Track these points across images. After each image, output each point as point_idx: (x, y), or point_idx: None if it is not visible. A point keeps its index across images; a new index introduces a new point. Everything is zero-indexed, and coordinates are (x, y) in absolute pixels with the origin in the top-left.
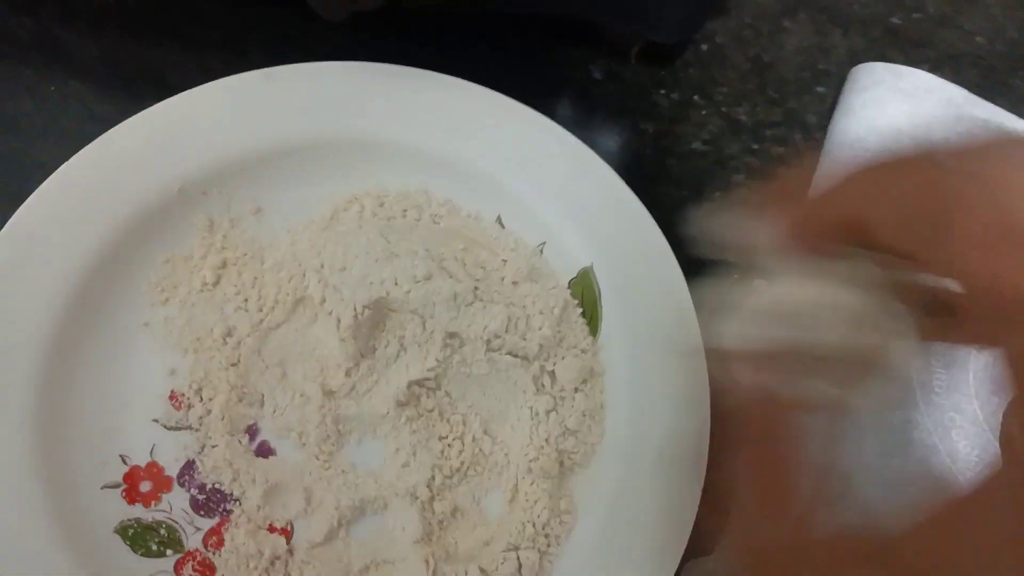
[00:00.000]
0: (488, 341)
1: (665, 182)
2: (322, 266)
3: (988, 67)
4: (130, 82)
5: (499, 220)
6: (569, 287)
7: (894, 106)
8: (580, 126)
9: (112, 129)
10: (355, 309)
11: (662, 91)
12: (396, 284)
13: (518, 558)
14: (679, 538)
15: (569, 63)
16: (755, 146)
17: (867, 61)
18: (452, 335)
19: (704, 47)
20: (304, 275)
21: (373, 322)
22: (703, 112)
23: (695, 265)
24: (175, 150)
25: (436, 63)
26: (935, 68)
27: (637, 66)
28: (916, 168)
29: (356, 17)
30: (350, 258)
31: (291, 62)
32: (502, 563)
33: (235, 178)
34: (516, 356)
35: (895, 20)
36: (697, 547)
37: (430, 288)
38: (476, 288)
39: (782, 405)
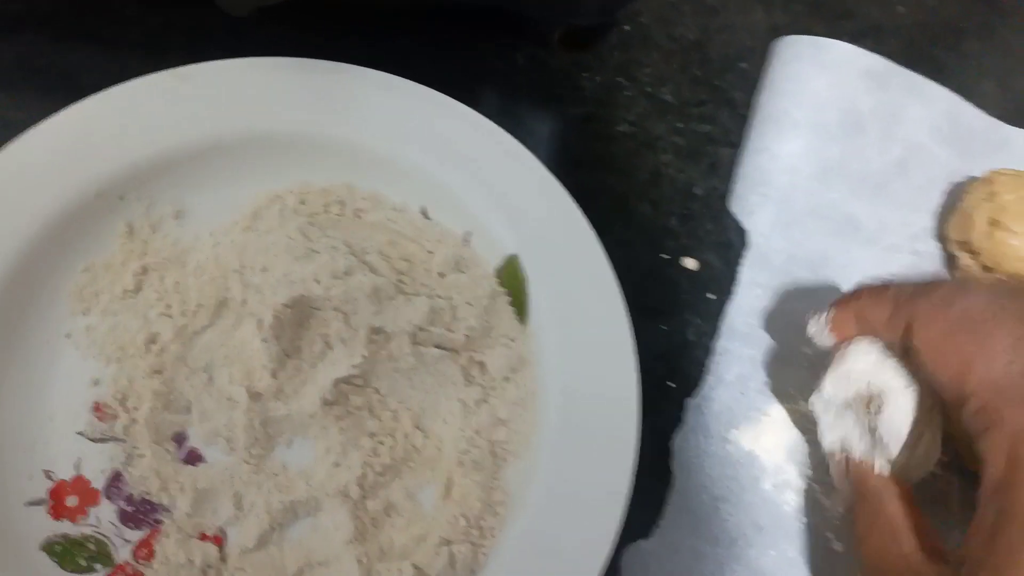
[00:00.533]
0: (413, 334)
1: (592, 165)
2: (243, 267)
3: (908, 37)
4: (47, 87)
5: (424, 212)
6: (497, 276)
7: (816, 79)
8: (506, 113)
9: (23, 134)
10: (276, 309)
11: (586, 75)
12: (316, 281)
13: (451, 552)
14: (613, 523)
15: (492, 51)
16: (681, 125)
17: (789, 35)
18: (377, 330)
19: (628, 28)
20: (225, 277)
21: (296, 321)
22: (628, 94)
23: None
24: (89, 154)
25: (358, 56)
26: (857, 39)
27: (560, 51)
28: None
29: (276, 12)
30: (270, 258)
31: (212, 59)
32: (435, 557)
33: (154, 181)
34: (443, 348)
35: None
36: (634, 530)
37: (351, 284)
38: (400, 281)
39: None
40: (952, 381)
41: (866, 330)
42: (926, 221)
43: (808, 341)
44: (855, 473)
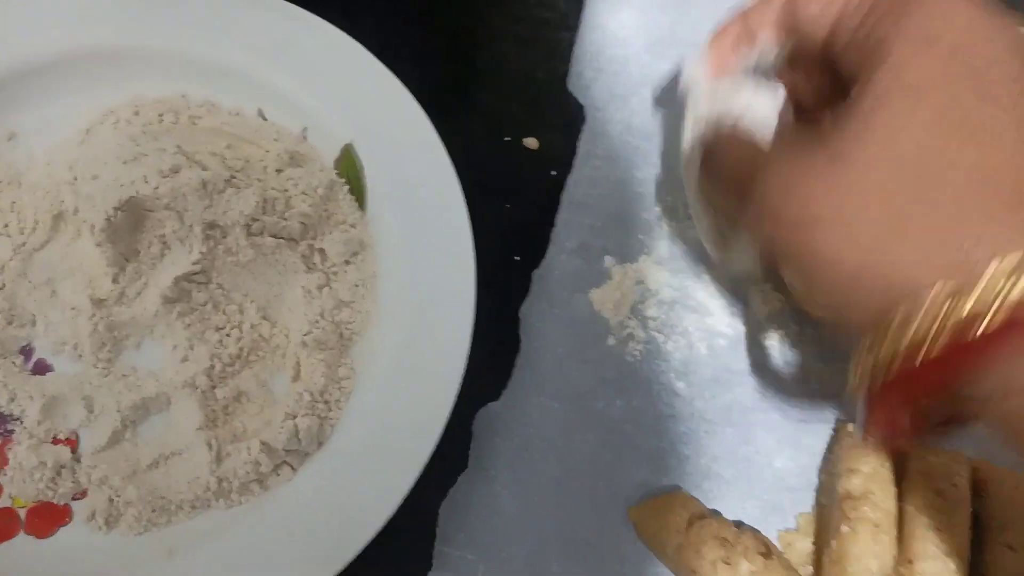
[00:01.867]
0: (248, 226)
1: (433, 58)
2: (75, 179)
3: None
4: None
5: (260, 113)
6: (335, 167)
7: None
8: (337, 10)
9: None
10: (107, 213)
11: None
12: (145, 181)
13: (295, 425)
14: (453, 387)
15: None
16: (521, 13)
17: None
18: (211, 225)
19: None
20: (59, 190)
21: (131, 224)
22: None
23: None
24: None
25: None
26: None
27: None
28: None
29: None
30: (99, 166)
31: None
32: (280, 432)
33: None
34: (281, 238)
35: None
36: (486, 396)
37: (179, 180)
38: (233, 177)
39: None
40: None
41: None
42: None
43: (647, 206)
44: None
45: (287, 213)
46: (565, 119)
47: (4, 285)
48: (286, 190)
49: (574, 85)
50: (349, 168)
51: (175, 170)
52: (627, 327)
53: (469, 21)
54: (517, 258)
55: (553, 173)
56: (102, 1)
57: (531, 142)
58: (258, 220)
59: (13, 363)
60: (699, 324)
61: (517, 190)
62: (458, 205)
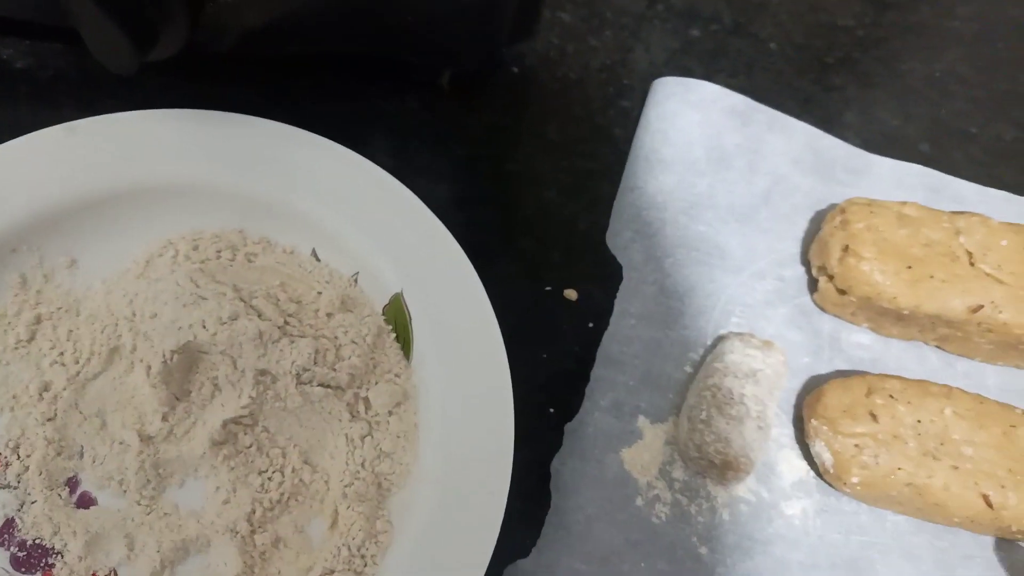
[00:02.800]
0: (298, 375)
1: (479, 203)
2: (133, 314)
3: (778, 71)
4: None
5: (314, 253)
6: (383, 314)
7: (685, 118)
8: (396, 155)
9: None
10: (164, 355)
11: (474, 115)
12: (203, 327)
13: None
14: (488, 545)
15: (382, 94)
16: (565, 163)
17: (668, 72)
18: (263, 372)
19: (515, 70)
20: (117, 325)
21: (185, 366)
22: (514, 133)
23: (510, 284)
24: None
25: (246, 103)
26: (732, 75)
27: (449, 93)
28: None
29: (164, 63)
30: (159, 305)
31: (105, 110)
32: None
33: (46, 233)
34: (328, 387)
35: (694, 32)
36: (515, 552)
37: (236, 329)
38: (285, 324)
39: None
40: None
41: None
42: (792, 247)
43: (678, 366)
44: None
45: (337, 364)
46: (604, 272)
47: (56, 415)
48: (336, 338)
49: (613, 242)
50: (398, 316)
51: (233, 317)
52: (654, 488)
53: (514, 167)
54: (552, 410)
55: (590, 325)
56: (166, 139)
57: (571, 293)
58: (308, 370)
59: (59, 495)
60: (722, 489)
61: (555, 340)
62: (501, 362)
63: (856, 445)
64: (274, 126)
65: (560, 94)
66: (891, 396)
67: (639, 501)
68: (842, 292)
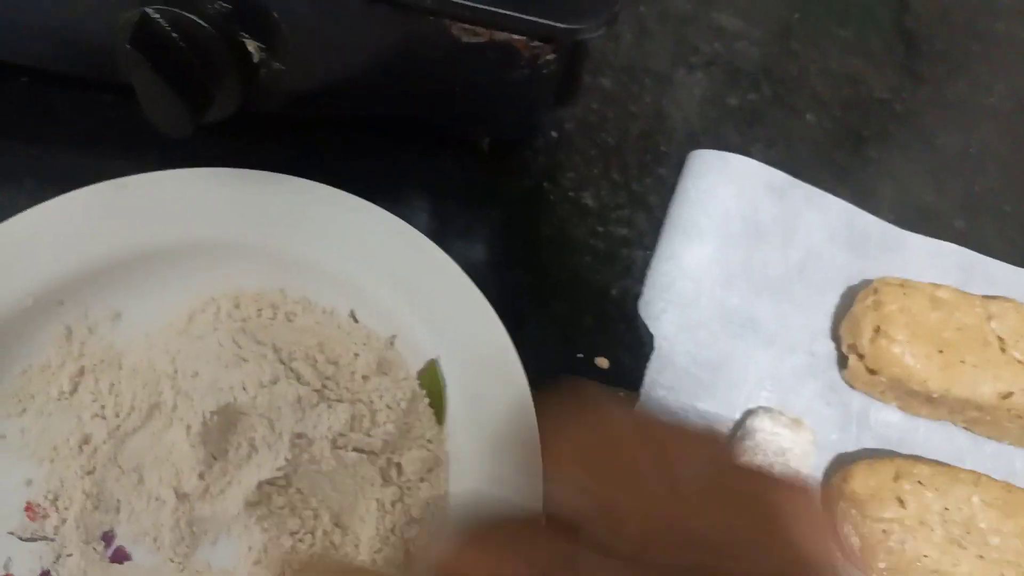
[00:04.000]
0: (334, 440)
1: (515, 266)
2: (175, 372)
3: (814, 143)
4: None
5: (352, 314)
6: (418, 378)
7: (722, 190)
8: (433, 216)
9: None
10: (204, 416)
11: (511, 179)
12: (244, 389)
13: None
14: None
15: (421, 156)
16: (600, 229)
17: (705, 140)
18: (299, 435)
19: (554, 134)
20: (158, 381)
21: (224, 425)
22: (551, 197)
23: (542, 348)
24: (28, 263)
25: (288, 164)
26: (769, 145)
27: (487, 156)
28: None
29: (206, 127)
30: (201, 364)
31: (153, 164)
32: None
33: (91, 286)
34: (362, 451)
35: (732, 101)
36: None
37: (276, 392)
38: (323, 387)
39: None
40: None
41: None
42: (823, 322)
43: None
44: None
45: (372, 430)
46: (635, 340)
47: (95, 469)
48: (372, 402)
49: (645, 311)
50: (432, 383)
51: (273, 381)
52: None
53: (549, 232)
54: None
55: (621, 395)
56: (211, 197)
57: (602, 362)
58: (344, 435)
59: (95, 549)
60: None
61: None
62: (532, 432)
63: (883, 531)
64: (315, 187)
65: (598, 160)
66: (919, 482)
67: None
68: (872, 372)
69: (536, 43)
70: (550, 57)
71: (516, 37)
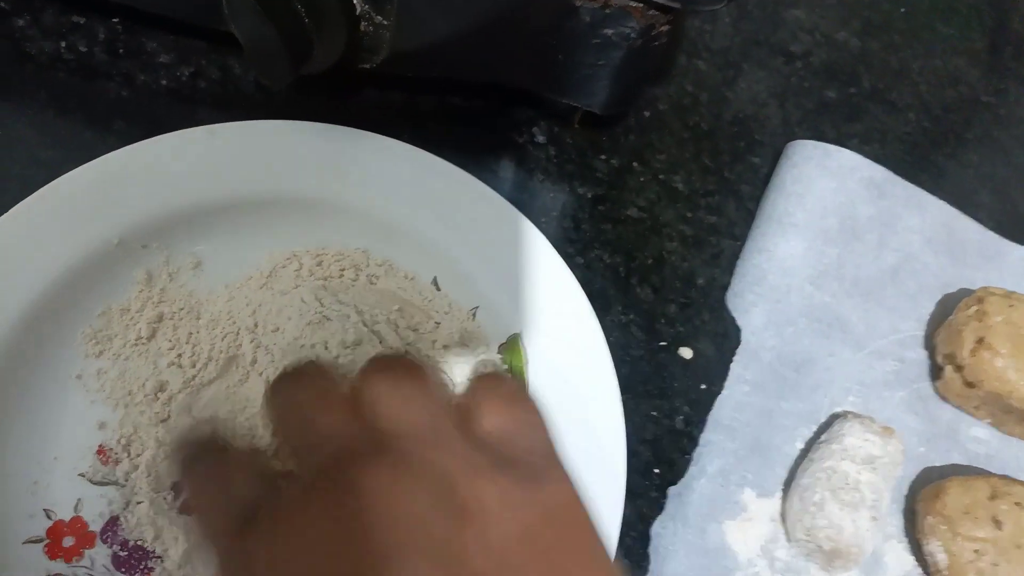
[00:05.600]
0: None
1: (600, 246)
2: (256, 326)
3: (913, 142)
4: (77, 128)
5: (435, 282)
6: (499, 352)
7: (821, 183)
8: (520, 187)
9: (54, 181)
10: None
11: (602, 156)
12: (326, 348)
13: None
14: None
15: (512, 126)
16: (689, 214)
17: (801, 132)
18: None
19: (646, 114)
20: (238, 334)
21: None
22: (641, 178)
23: (624, 333)
24: (117, 203)
25: (380, 123)
26: (865, 142)
27: (578, 130)
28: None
29: (303, 78)
30: (283, 320)
31: (239, 116)
32: None
33: (176, 232)
34: None
35: (830, 94)
36: None
37: (359, 354)
38: (406, 353)
39: None
40: None
41: None
42: (915, 329)
43: (789, 440)
44: None
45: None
46: (720, 331)
47: (169, 417)
48: (451, 373)
49: (733, 303)
50: (514, 358)
51: (357, 342)
52: (755, 566)
53: (637, 214)
54: (657, 470)
55: (703, 387)
56: (300, 150)
57: (686, 352)
58: None
59: (164, 499)
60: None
61: (665, 398)
62: (616, 415)
63: (975, 550)
64: (405, 148)
65: (690, 143)
66: (1017, 503)
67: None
68: (970, 385)
69: (653, 11)
70: (664, 28)
71: (633, 3)
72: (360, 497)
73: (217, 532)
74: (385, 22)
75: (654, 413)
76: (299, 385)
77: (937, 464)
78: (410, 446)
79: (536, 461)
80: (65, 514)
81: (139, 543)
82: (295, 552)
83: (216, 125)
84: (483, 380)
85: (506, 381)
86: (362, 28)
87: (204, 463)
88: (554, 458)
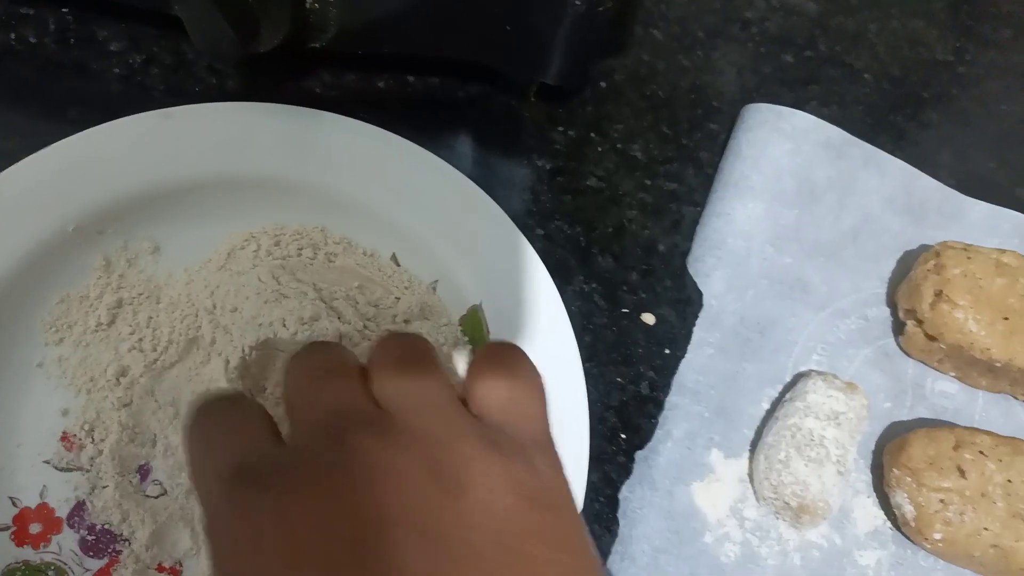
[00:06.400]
0: None
1: (560, 218)
2: (214, 307)
3: (871, 104)
4: (31, 118)
5: (394, 258)
6: (460, 324)
7: (776, 146)
8: (477, 162)
9: (8, 168)
10: (243, 351)
11: (559, 128)
12: (284, 326)
13: None
14: None
15: (468, 100)
16: (648, 182)
17: (759, 97)
18: None
19: (603, 84)
20: (197, 316)
21: (263, 361)
22: (599, 149)
23: (586, 302)
24: (71, 189)
25: (335, 103)
26: (823, 104)
27: (535, 103)
28: None
29: (251, 58)
30: (240, 299)
31: (194, 101)
32: None
33: (132, 217)
34: None
35: (787, 58)
36: None
37: (316, 329)
38: (365, 328)
39: None
40: None
41: None
42: (877, 287)
43: (754, 401)
44: None
45: None
46: (682, 297)
47: (132, 401)
48: None
49: (694, 268)
50: (474, 329)
51: (314, 318)
52: (724, 526)
53: (596, 184)
54: (623, 436)
55: (666, 352)
56: (256, 134)
57: (648, 318)
58: None
59: (130, 482)
60: (795, 532)
61: (629, 364)
62: (578, 383)
63: (941, 500)
64: (360, 126)
65: (647, 112)
66: (981, 452)
67: (708, 538)
68: (931, 338)
69: None
70: None
71: None
72: (357, 466)
73: (217, 475)
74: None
75: (619, 380)
76: (313, 355)
77: (904, 419)
78: (410, 419)
79: (533, 439)
80: (31, 501)
81: (106, 527)
82: (294, 512)
83: (171, 108)
84: (489, 350)
85: (511, 354)
86: (308, 4)
87: (211, 411)
88: (549, 438)
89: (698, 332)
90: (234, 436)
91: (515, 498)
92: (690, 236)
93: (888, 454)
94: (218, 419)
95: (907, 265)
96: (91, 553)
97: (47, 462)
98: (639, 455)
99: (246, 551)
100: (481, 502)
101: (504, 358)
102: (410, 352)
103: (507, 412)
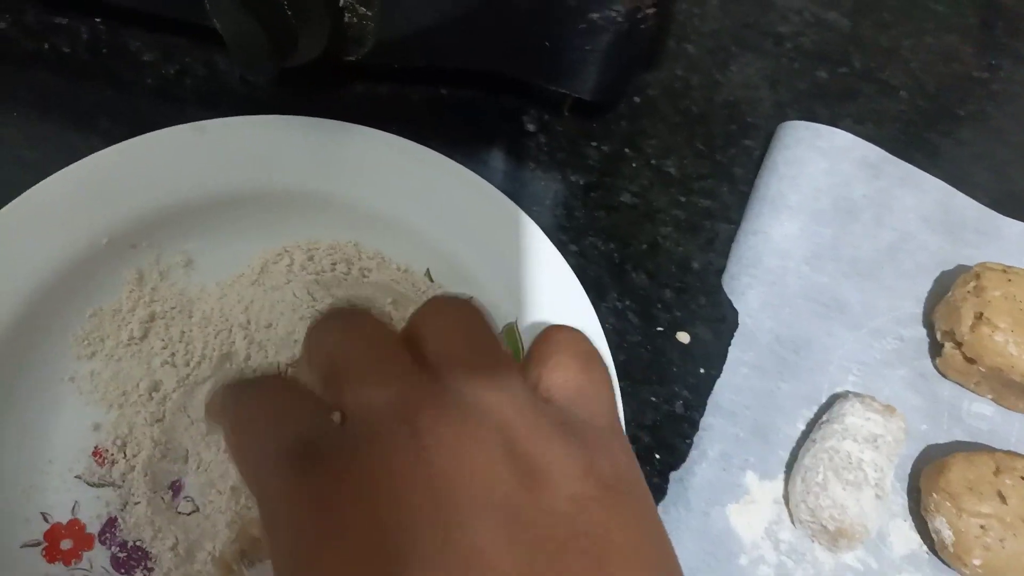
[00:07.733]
0: None
1: (594, 234)
2: (248, 322)
3: (907, 121)
4: (62, 128)
5: (428, 274)
6: None
7: (814, 165)
8: (511, 177)
9: (41, 182)
10: (279, 367)
11: (593, 143)
12: None
13: None
14: None
15: (502, 114)
16: (682, 198)
17: (793, 114)
18: None
19: (636, 99)
20: (231, 331)
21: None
22: (633, 164)
23: (620, 319)
24: (105, 202)
25: (369, 116)
26: (858, 121)
27: (569, 118)
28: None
29: (287, 71)
30: (275, 315)
31: (226, 113)
32: None
33: (165, 230)
34: None
35: (821, 74)
36: None
37: None
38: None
39: None
40: None
41: None
42: (913, 307)
43: (790, 421)
44: None
45: None
46: (717, 315)
47: (164, 417)
48: None
49: (729, 286)
50: (510, 346)
51: None
52: (759, 548)
53: (630, 200)
54: (658, 455)
55: (701, 371)
56: (289, 145)
57: (683, 336)
58: None
59: (162, 498)
60: (830, 556)
61: (664, 383)
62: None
63: (981, 526)
64: (395, 140)
65: (682, 128)
66: (1022, 477)
67: (743, 560)
68: (970, 361)
69: None
70: (650, 11)
71: None
72: (426, 448)
73: (272, 464)
74: (369, 13)
75: (653, 399)
76: (350, 325)
77: (940, 442)
78: (477, 395)
79: (603, 425)
80: (62, 517)
81: (138, 543)
82: (358, 497)
83: (204, 122)
84: (556, 332)
85: (580, 338)
86: (346, 19)
87: (255, 390)
88: (618, 426)
89: (733, 351)
90: (285, 418)
91: (594, 485)
92: (724, 253)
93: (926, 478)
94: (263, 400)
95: (943, 284)
96: (123, 570)
97: (79, 477)
98: (674, 475)
99: (324, 534)
100: (555, 489)
101: (575, 343)
102: (466, 313)
103: (581, 395)
